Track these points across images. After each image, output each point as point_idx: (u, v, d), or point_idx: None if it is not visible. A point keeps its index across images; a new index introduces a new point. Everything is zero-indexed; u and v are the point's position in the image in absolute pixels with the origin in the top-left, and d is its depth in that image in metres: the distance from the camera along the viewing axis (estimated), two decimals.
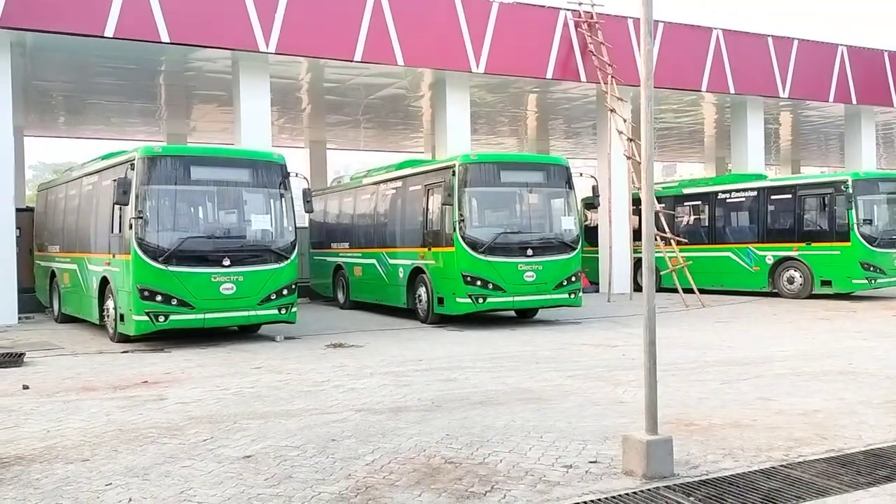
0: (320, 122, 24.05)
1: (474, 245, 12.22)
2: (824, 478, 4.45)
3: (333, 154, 31.68)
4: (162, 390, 7.54)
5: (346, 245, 16.98)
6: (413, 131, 26.06)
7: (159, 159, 10.61)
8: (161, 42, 13.97)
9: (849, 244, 15.80)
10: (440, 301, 12.80)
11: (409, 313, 14.16)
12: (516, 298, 12.54)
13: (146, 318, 10.25)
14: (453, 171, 12.46)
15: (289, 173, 11.42)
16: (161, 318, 10.30)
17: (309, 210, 12.53)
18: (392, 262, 14.63)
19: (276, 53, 14.98)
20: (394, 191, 15.06)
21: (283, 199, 11.29)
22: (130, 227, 10.24)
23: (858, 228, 15.71)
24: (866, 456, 4.88)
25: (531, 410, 6.32)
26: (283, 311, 11.19)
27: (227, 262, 10.59)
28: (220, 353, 10.14)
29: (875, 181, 16.88)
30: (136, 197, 10.26)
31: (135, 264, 10.23)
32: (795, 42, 21.13)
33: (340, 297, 17.21)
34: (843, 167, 26.58)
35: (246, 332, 12.13)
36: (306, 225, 18.51)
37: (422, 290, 13.42)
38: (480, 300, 12.26)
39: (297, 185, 11.76)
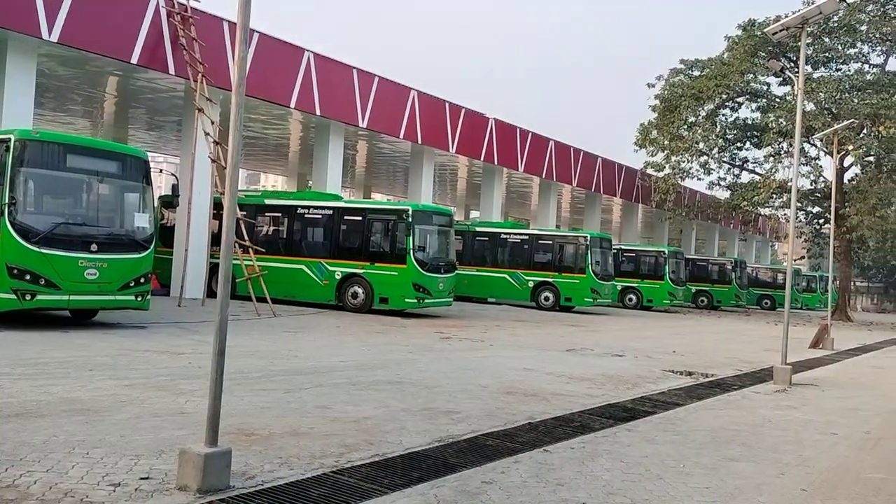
0: None
1: (26, 233, 10.68)
2: (368, 481, 4.83)
3: None
4: None
5: None
6: None
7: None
8: None
9: (405, 266, 17.72)
10: None
11: None
12: (73, 297, 11.26)
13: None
14: (7, 147, 10.75)
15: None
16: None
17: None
18: None
19: None
20: None
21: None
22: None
23: (413, 254, 17.73)
24: (404, 459, 5.44)
25: (79, 423, 5.70)
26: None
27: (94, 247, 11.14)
28: None
29: (430, 213, 19.27)
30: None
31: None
32: (376, 79, 23.15)
33: None
34: (407, 198, 29.84)
35: None
36: None
37: None
38: (28, 297, 10.72)
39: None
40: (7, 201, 10.57)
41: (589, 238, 25.41)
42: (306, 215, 19.62)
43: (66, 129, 25.90)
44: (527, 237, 26.64)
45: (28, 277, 10.67)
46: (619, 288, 30.00)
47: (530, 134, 30.39)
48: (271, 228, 20.24)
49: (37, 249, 10.73)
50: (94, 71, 18.40)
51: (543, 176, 31.73)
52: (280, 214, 20.04)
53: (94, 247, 11.31)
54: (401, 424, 6.51)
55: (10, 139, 10.85)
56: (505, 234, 26.82)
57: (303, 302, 18.67)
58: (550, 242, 26.05)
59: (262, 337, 12.28)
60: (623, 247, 33.24)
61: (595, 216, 37.22)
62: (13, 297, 10.62)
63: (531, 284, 25.46)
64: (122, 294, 11.73)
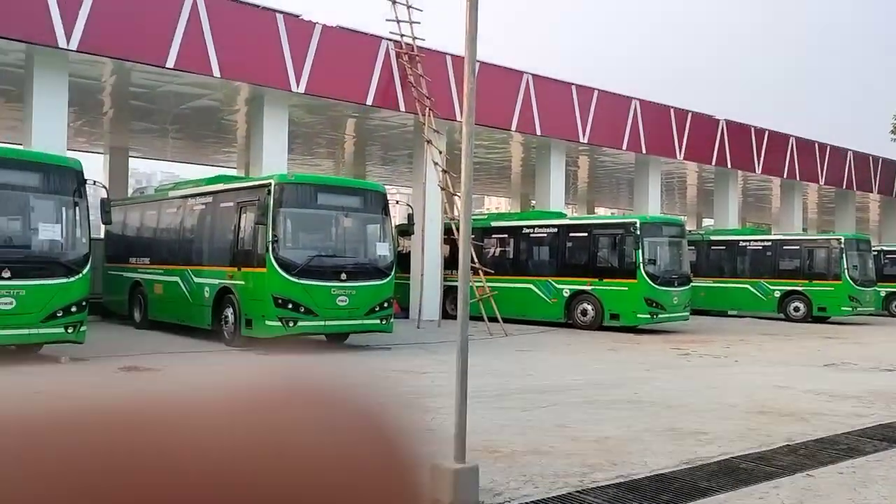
0: (123, 128, 22.49)
1: (287, 266, 11.93)
2: (615, 503, 4.75)
3: (136, 162, 29.74)
4: None
5: (147, 260, 15.89)
6: (226, 145, 25.12)
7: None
8: None
9: (635, 281, 17.23)
10: (248, 323, 12.32)
11: (212, 335, 13.47)
12: (328, 322, 12.36)
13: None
14: (269, 190, 12.12)
15: (85, 181, 10.64)
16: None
17: (106, 221, 11.81)
18: (198, 280, 13.89)
19: (77, 51, 13.84)
20: (203, 206, 14.37)
21: (77, 208, 10.52)
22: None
23: (644, 267, 17.19)
24: (651, 481, 5.27)
25: None
26: (71, 330, 10.28)
27: (7, 273, 9.69)
28: None
29: (659, 225, 18.61)
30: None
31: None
32: (596, 92, 22.92)
33: (137, 315, 16.03)
34: (632, 210, 29.08)
35: (28, 352, 10.90)
36: (101, 237, 17.15)
37: (228, 312, 12.85)
38: (291, 323, 11.95)
39: (95, 195, 10.90)
40: (271, 239, 11.89)
41: (844, 240, 23.00)
42: (531, 235, 19.84)
43: (313, 171, 28.65)
44: (770, 243, 24.68)
45: (290, 306, 11.90)
46: (882, 294, 26.74)
47: (767, 132, 28.31)
48: (498, 249, 20.68)
49: (297, 280, 11.94)
50: (335, 115, 20.18)
51: (785, 176, 29.33)
52: (506, 235, 20.45)
53: (343, 276, 12.34)
54: (644, 445, 6.32)
55: (270, 184, 12.22)
56: (744, 241, 25.09)
57: (532, 320, 18.82)
58: (798, 248, 23.91)
59: (496, 356, 12.56)
60: (885, 248, 29.64)
61: (848, 216, 33.65)
62: (279, 324, 11.89)
63: (777, 294, 23.53)
64: (369, 318, 12.65)
